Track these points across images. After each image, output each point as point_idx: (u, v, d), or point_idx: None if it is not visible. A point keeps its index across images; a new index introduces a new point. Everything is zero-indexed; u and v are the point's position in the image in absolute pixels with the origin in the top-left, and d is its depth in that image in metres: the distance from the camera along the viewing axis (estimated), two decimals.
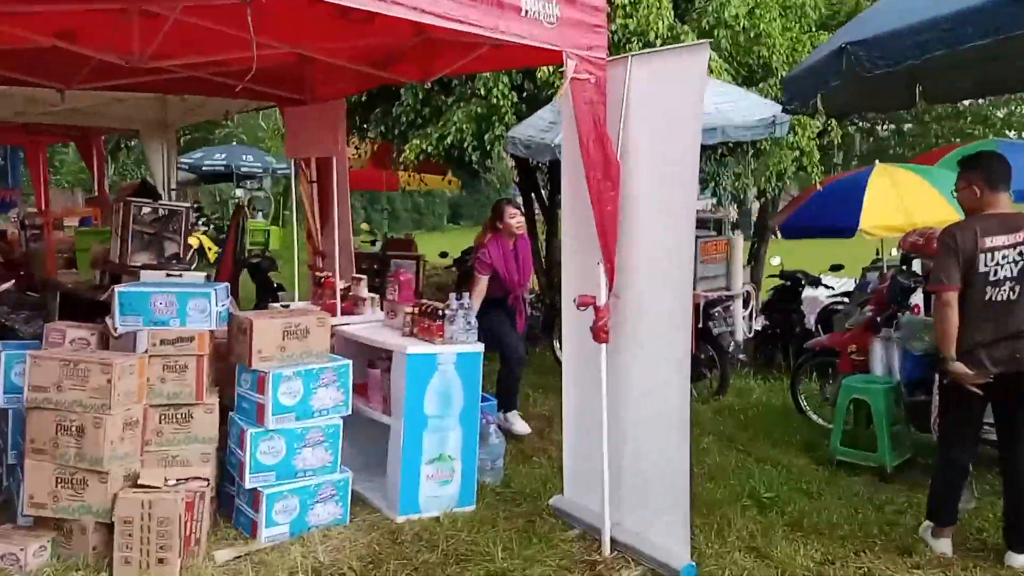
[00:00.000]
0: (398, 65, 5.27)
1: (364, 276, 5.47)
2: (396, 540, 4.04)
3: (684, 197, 3.75)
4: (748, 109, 6.31)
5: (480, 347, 4.46)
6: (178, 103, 7.42)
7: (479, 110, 6.92)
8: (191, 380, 3.98)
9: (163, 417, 3.98)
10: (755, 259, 9.59)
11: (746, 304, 7.39)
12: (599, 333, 3.93)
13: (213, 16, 4.10)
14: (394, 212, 25.75)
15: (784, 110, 4.82)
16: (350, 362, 4.27)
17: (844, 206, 7.32)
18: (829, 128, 8.27)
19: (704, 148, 7.87)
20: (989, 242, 3.68)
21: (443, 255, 10.35)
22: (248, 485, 3.97)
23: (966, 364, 3.69)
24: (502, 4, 3.48)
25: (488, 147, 7.01)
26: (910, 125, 15.31)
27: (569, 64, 3.76)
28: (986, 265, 3.68)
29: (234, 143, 19.54)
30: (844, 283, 8.60)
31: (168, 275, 5.57)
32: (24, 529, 3.73)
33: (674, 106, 3.76)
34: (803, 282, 7.94)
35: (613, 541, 3.93)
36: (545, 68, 6.60)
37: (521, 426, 5.47)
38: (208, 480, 3.89)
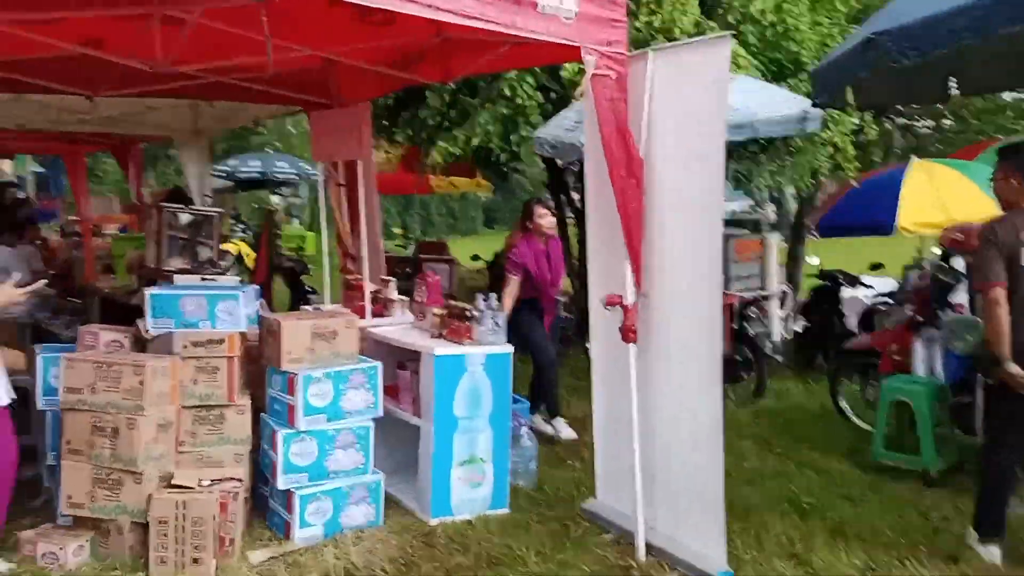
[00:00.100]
0: (419, 66, 5.28)
1: (393, 278, 5.48)
2: (429, 542, 4.03)
3: (711, 193, 3.69)
4: (777, 105, 6.21)
5: (510, 348, 4.44)
6: (209, 110, 7.51)
7: (504, 111, 6.91)
8: (222, 382, 4.02)
9: (196, 418, 4.02)
10: (793, 259, 9.44)
11: (782, 304, 7.28)
12: (627, 333, 3.89)
13: (233, 20, 4.13)
14: (428, 216, 25.86)
15: (813, 104, 4.72)
16: (379, 364, 4.28)
17: (881, 203, 7.17)
18: (864, 124, 8.11)
19: (735, 146, 7.81)
20: None
21: (475, 258, 10.37)
22: (281, 486, 4.00)
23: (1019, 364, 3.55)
24: (519, 1, 3.46)
25: (515, 148, 6.99)
26: (950, 121, 14.98)
27: (588, 60, 3.73)
28: None
29: (268, 150, 19.79)
30: (886, 283, 8.43)
31: (202, 279, 5.65)
32: (63, 528, 3.80)
33: (698, 100, 3.71)
34: (842, 282, 7.79)
35: (648, 546, 3.88)
36: (570, 67, 6.57)
37: (567, 432, 5.41)
38: (241, 481, 3.92)
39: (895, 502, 4.52)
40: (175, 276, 5.73)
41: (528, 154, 7.47)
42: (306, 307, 5.64)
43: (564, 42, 3.70)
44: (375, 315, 5.18)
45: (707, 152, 3.66)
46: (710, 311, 3.72)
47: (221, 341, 4.02)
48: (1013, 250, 3.57)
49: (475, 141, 6.98)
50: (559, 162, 8.69)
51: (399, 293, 5.33)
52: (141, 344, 4.20)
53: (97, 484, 3.69)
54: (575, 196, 9.15)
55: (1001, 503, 3.80)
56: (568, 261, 7.56)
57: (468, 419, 4.30)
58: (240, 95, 6.05)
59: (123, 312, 5.50)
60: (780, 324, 7.04)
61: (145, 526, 3.64)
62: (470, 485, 4.32)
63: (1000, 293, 3.56)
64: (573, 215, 9.35)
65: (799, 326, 7.74)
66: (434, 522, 4.22)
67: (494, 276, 9.16)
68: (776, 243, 7.05)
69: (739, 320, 6.53)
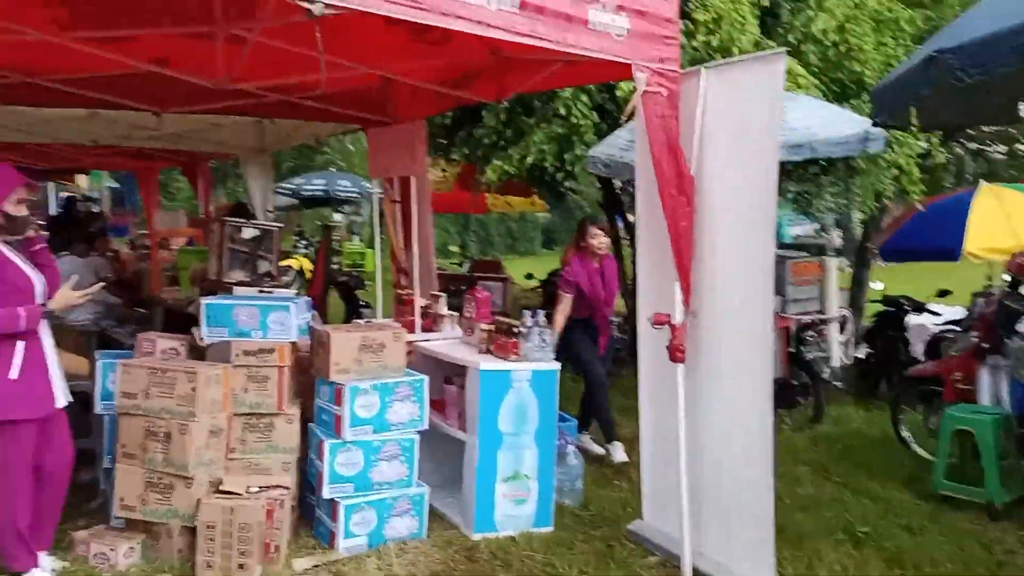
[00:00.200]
0: (474, 84, 5.35)
1: (444, 294, 5.51)
2: (471, 557, 4.03)
3: (763, 211, 3.63)
4: (838, 125, 6.08)
5: (556, 365, 4.42)
6: (272, 128, 7.71)
7: (559, 130, 6.92)
8: (272, 390, 4.10)
9: (246, 426, 4.10)
10: (857, 284, 9.20)
11: (843, 329, 7.09)
12: (675, 352, 3.84)
13: (292, 39, 4.24)
14: (487, 236, 26.01)
15: (874, 124, 4.63)
16: (426, 377, 4.30)
17: (947, 227, 6.98)
18: (932, 148, 7.89)
19: (795, 166, 7.68)
20: None
21: (529, 276, 10.38)
22: (326, 495, 4.04)
23: None
24: (570, 18, 3.47)
25: (569, 167, 6.99)
26: None
27: (639, 77, 3.72)
28: None
29: (332, 169, 20.21)
30: (954, 310, 8.15)
31: (260, 291, 5.78)
32: (116, 530, 3.90)
33: (752, 117, 3.66)
34: (907, 308, 7.57)
35: (695, 570, 3.81)
36: (625, 86, 6.55)
37: (620, 456, 5.33)
38: (288, 489, 3.97)
39: (956, 533, 4.35)
40: (235, 288, 5.91)
41: (583, 173, 7.47)
42: (358, 320, 5.72)
43: (616, 59, 3.69)
44: (425, 330, 5.23)
45: (760, 170, 3.61)
46: (762, 331, 3.65)
47: (272, 351, 4.10)
48: None
49: (529, 160, 7.00)
50: (614, 182, 8.66)
51: (454, 310, 5.36)
52: (199, 352, 4.30)
53: (149, 488, 3.79)
54: (630, 216, 9.11)
55: None
56: (622, 281, 7.50)
57: (513, 435, 4.29)
58: (301, 113, 6.20)
59: (184, 321, 5.65)
60: (840, 349, 6.85)
61: (194, 530, 3.71)
62: (514, 501, 4.30)
63: None
64: (628, 234, 9.30)
65: (862, 352, 7.52)
66: (477, 537, 4.21)
67: (547, 294, 9.15)
68: (836, 266, 6.86)
69: (796, 344, 6.37)
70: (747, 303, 3.70)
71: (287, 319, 4.13)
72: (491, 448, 4.26)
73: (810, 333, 6.43)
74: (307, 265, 13.31)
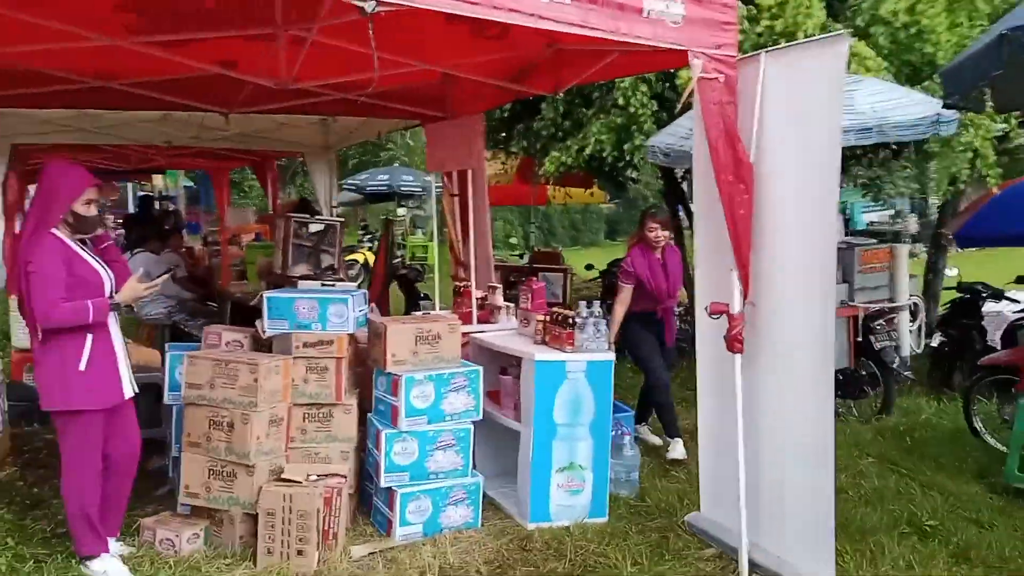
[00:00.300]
0: (531, 78, 5.34)
1: (499, 285, 5.53)
2: (525, 547, 4.04)
3: (825, 198, 3.53)
4: (908, 107, 5.86)
5: (611, 356, 4.39)
6: (335, 126, 7.86)
7: (618, 120, 6.87)
8: (331, 381, 4.18)
9: (306, 416, 4.20)
10: (932, 271, 8.89)
11: (914, 317, 6.86)
12: (732, 342, 3.78)
13: (350, 37, 4.30)
14: (551, 228, 25.99)
15: (944, 105, 4.45)
16: (480, 368, 4.34)
17: None
18: (1011, 130, 7.55)
19: (864, 151, 7.45)
20: None
21: (588, 267, 10.32)
22: (383, 484, 4.11)
23: None
24: (623, 6, 3.43)
25: (628, 157, 6.93)
26: None
27: (695, 64, 3.66)
28: None
29: (396, 164, 20.48)
30: None
31: (323, 284, 5.91)
32: (181, 517, 4.03)
33: (813, 102, 3.56)
34: (984, 295, 7.27)
35: (751, 564, 3.75)
36: (684, 74, 6.45)
37: (679, 453, 5.27)
38: (345, 477, 4.05)
39: None
40: (298, 281, 6.06)
41: (644, 163, 7.39)
42: (416, 312, 5.79)
43: (671, 46, 3.64)
44: (481, 321, 5.26)
45: (821, 156, 3.52)
46: (823, 320, 3.56)
47: (331, 342, 4.19)
48: None
49: (587, 151, 6.97)
50: (676, 171, 8.55)
51: (515, 301, 5.36)
52: (263, 344, 4.41)
53: (213, 475, 3.91)
54: (692, 205, 8.98)
55: None
56: (686, 271, 7.42)
57: (568, 426, 4.29)
58: (362, 110, 6.29)
59: (251, 314, 5.82)
60: (911, 338, 6.63)
61: (255, 517, 3.82)
62: (569, 492, 4.30)
63: None
64: (691, 224, 9.17)
65: (936, 341, 7.26)
66: (531, 527, 4.22)
67: (606, 285, 9.10)
68: (907, 253, 6.63)
69: (864, 333, 6.19)
70: (808, 292, 3.61)
71: (345, 311, 4.21)
72: (546, 439, 4.26)
73: (879, 322, 6.23)
74: (372, 258, 13.55)
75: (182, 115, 6.46)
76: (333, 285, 5.82)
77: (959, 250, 8.46)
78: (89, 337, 3.53)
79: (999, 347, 6.90)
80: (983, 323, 7.18)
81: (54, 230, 3.57)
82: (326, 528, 3.83)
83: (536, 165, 8.19)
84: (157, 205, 16.28)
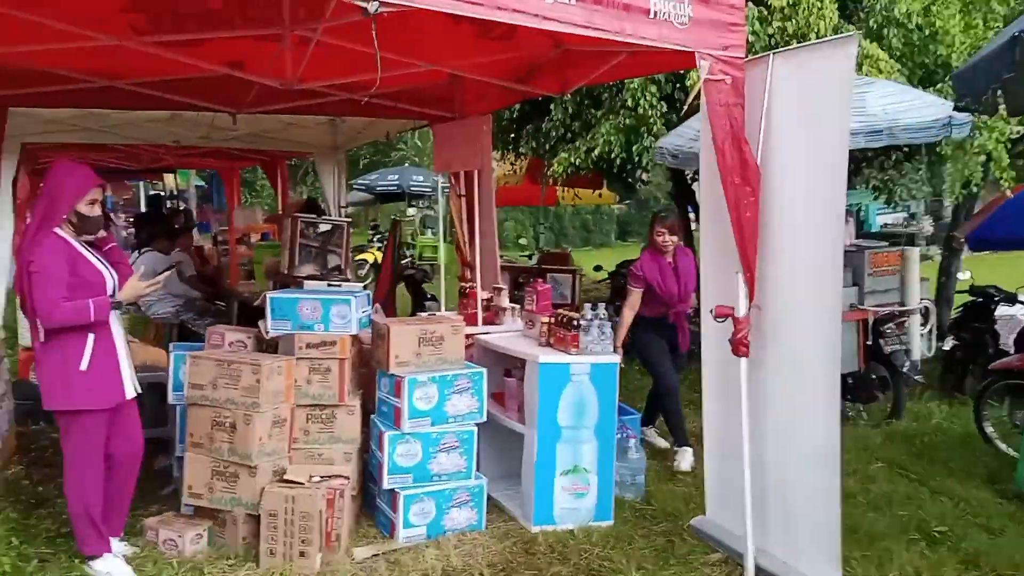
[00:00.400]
0: (538, 78, 5.33)
1: (504, 287, 5.51)
2: (529, 550, 4.02)
3: (832, 201, 3.50)
4: (920, 110, 5.81)
5: (616, 358, 4.37)
6: (344, 126, 7.86)
7: (627, 121, 6.84)
8: (334, 382, 4.17)
9: (309, 417, 4.19)
10: (945, 274, 8.81)
11: (925, 321, 6.80)
12: (738, 346, 3.75)
13: (355, 38, 4.29)
14: (562, 229, 25.96)
15: (956, 108, 4.40)
16: (484, 370, 4.32)
17: None
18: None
19: (875, 153, 7.39)
20: None
21: (597, 268, 10.29)
22: (386, 486, 4.10)
23: None
24: (628, 7, 3.41)
25: (636, 158, 6.90)
26: None
27: (702, 65, 3.63)
28: None
29: (407, 164, 20.50)
30: None
31: (329, 285, 5.91)
32: (185, 518, 4.02)
33: (821, 104, 3.53)
34: (997, 299, 7.19)
35: (758, 569, 3.72)
36: (694, 75, 6.42)
37: (687, 463, 5.18)
38: (348, 479, 4.04)
39: None
40: (305, 281, 6.05)
41: (652, 164, 7.37)
42: (421, 313, 5.77)
43: (678, 48, 3.62)
44: (487, 322, 5.23)
45: (830, 158, 3.49)
46: (829, 324, 3.52)
47: (334, 343, 4.17)
48: None
49: (596, 152, 6.94)
50: (686, 173, 8.52)
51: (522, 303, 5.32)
52: (272, 345, 4.39)
53: (216, 476, 3.90)
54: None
55: None
56: (699, 275, 7.37)
57: (572, 428, 4.26)
58: (369, 110, 6.28)
59: (256, 314, 5.82)
60: (921, 341, 6.56)
61: (258, 518, 3.81)
62: (573, 495, 4.28)
63: None
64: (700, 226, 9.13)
65: (948, 344, 7.19)
66: (536, 530, 4.20)
67: (615, 287, 9.06)
68: (918, 256, 6.57)
69: (874, 337, 6.14)
70: (814, 296, 3.58)
71: (348, 312, 4.20)
72: (550, 441, 4.24)
73: (889, 325, 6.18)
74: (381, 258, 13.58)
75: (191, 115, 6.48)
76: (339, 285, 5.82)
77: (972, 253, 8.39)
78: (91, 337, 3.53)
79: (1012, 351, 6.83)
80: (995, 327, 7.12)
81: (57, 229, 3.57)
82: (328, 530, 3.81)
83: (545, 166, 8.17)
84: (168, 204, 16.36)
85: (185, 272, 7.58)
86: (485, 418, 4.33)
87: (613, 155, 6.96)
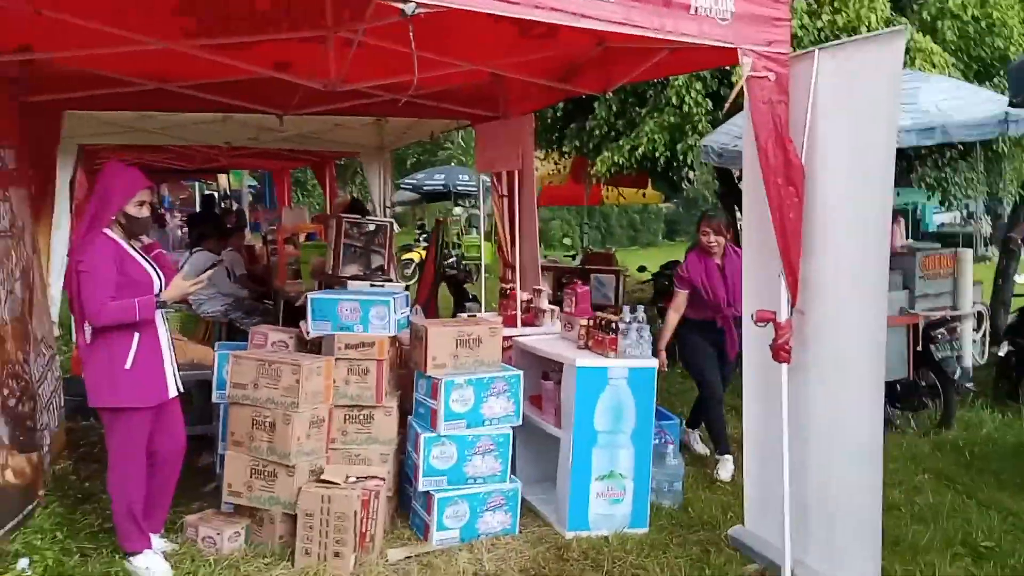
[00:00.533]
0: (580, 77, 5.29)
1: (545, 288, 5.48)
2: (562, 556, 3.99)
3: (879, 203, 3.38)
4: (975, 106, 5.62)
5: (654, 363, 4.31)
6: (390, 127, 7.93)
7: (672, 119, 6.75)
8: (372, 383, 4.19)
9: (347, 417, 4.22)
10: (1002, 276, 8.51)
11: (978, 326, 6.58)
12: (779, 352, 3.66)
13: (396, 38, 4.30)
14: (609, 228, 25.81)
15: (1010, 103, 4.24)
16: (521, 372, 4.30)
17: None
18: None
19: (930, 151, 7.17)
20: None
21: (641, 269, 10.18)
22: (421, 488, 4.11)
23: None
24: (668, 3, 3.34)
25: (681, 157, 6.81)
26: None
27: (745, 62, 3.55)
28: None
29: (453, 163, 20.59)
30: None
31: (372, 285, 5.96)
32: (224, 515, 4.08)
33: (868, 101, 3.42)
34: None
35: None
36: (740, 71, 6.33)
37: (727, 472, 5.06)
38: (384, 480, 4.06)
39: None
40: (348, 281, 6.12)
41: (698, 163, 7.27)
42: (461, 314, 5.78)
43: (719, 44, 3.55)
44: (526, 324, 5.21)
45: (877, 157, 3.38)
46: (874, 330, 3.42)
47: (372, 344, 4.20)
48: None
49: (640, 150, 6.87)
50: (734, 172, 8.37)
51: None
52: (316, 345, 4.43)
53: (255, 475, 3.95)
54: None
55: None
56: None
57: (609, 433, 4.22)
58: (413, 111, 6.32)
59: (301, 314, 5.91)
60: (974, 347, 6.34)
61: (295, 517, 3.85)
62: (609, 501, 4.23)
63: None
64: None
65: (1003, 350, 6.95)
66: (570, 535, 4.17)
67: (658, 288, 8.95)
68: (971, 258, 6.35)
69: (924, 342, 5.95)
70: (859, 300, 3.48)
71: (387, 313, 4.22)
72: (586, 446, 4.20)
73: (940, 331, 5.98)
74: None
75: (240, 117, 6.60)
76: (382, 285, 5.87)
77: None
78: (136, 336, 3.60)
79: None
80: None
81: (106, 230, 3.65)
82: (363, 531, 3.84)
83: (588, 165, 8.11)
84: (221, 204, 16.68)
85: (236, 271, 7.71)
86: (521, 421, 4.31)
87: (657, 154, 6.88)
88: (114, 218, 3.67)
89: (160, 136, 7.89)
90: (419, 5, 2.98)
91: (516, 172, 5.71)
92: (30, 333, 4.63)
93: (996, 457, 5.39)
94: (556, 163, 10.19)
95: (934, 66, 6.49)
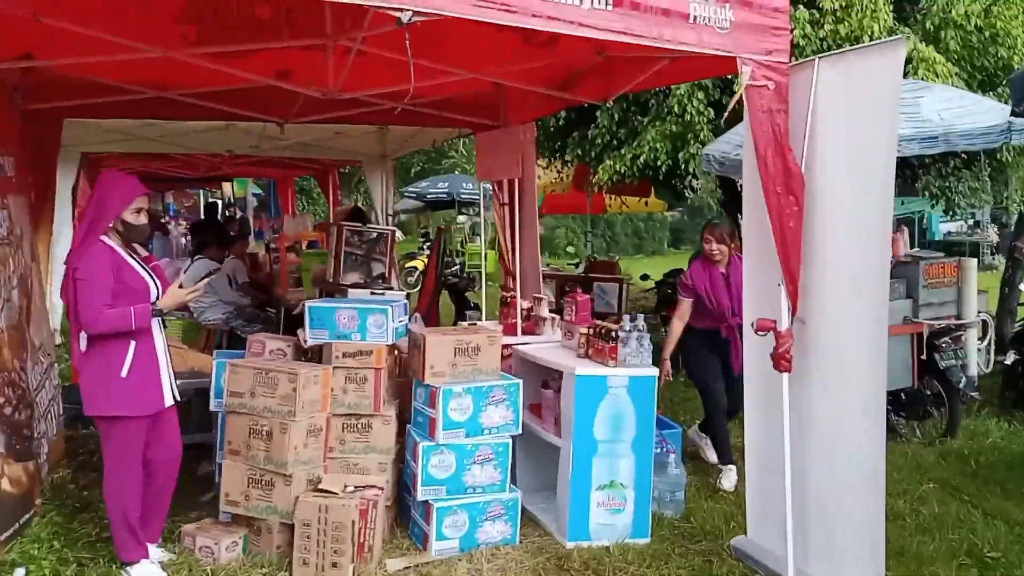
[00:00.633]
0: (580, 86, 5.28)
1: (546, 296, 5.46)
2: (562, 566, 3.96)
3: (879, 211, 3.38)
4: (977, 115, 5.60)
5: (654, 371, 4.28)
6: (392, 135, 7.93)
7: (673, 128, 6.74)
8: (370, 392, 4.17)
9: (345, 426, 4.19)
10: (1008, 285, 8.47)
11: (983, 334, 6.53)
12: (779, 361, 3.64)
13: (395, 47, 4.30)
14: (613, 236, 25.80)
15: (1013, 112, 4.22)
16: (520, 381, 4.27)
17: None
18: None
19: (934, 160, 7.15)
20: None
21: (644, 277, 10.16)
22: (420, 497, 4.08)
23: None
24: (668, 12, 3.35)
25: (683, 165, 6.79)
26: None
27: (744, 71, 3.55)
28: None
29: (457, 172, 20.60)
30: None
31: (372, 293, 5.95)
32: (222, 524, 4.05)
33: (868, 110, 3.42)
34: None
35: None
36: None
37: (729, 483, 5.02)
38: (382, 489, 4.03)
39: None
40: (349, 289, 6.11)
41: (699, 171, 7.25)
42: (462, 322, 5.76)
43: (718, 53, 3.54)
44: (527, 332, 5.19)
45: (877, 166, 3.37)
46: (875, 339, 3.40)
47: (370, 353, 4.18)
48: None
49: (641, 159, 6.86)
50: (737, 181, 8.36)
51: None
52: (316, 354, 4.40)
53: (252, 484, 3.93)
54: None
55: None
56: None
57: (609, 442, 4.19)
58: (415, 119, 6.31)
59: (301, 322, 5.89)
60: (979, 356, 6.30)
61: (292, 527, 3.81)
62: (610, 511, 4.20)
63: None
64: None
65: (1009, 359, 6.90)
66: (570, 545, 4.13)
67: (661, 297, 8.93)
68: (975, 267, 6.31)
69: (928, 351, 5.91)
70: (860, 308, 3.46)
71: (384, 322, 4.19)
72: (586, 455, 4.17)
73: (945, 339, 5.94)
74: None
75: (242, 125, 6.61)
76: (383, 293, 5.86)
77: None
78: (132, 344, 3.59)
79: None
80: None
81: (104, 237, 3.64)
82: (361, 540, 3.81)
83: (591, 173, 8.11)
84: (225, 212, 16.70)
85: (238, 279, 7.71)
86: (520, 430, 4.28)
87: (659, 162, 6.87)
88: (111, 225, 3.67)
89: (162, 144, 7.91)
90: (415, 14, 2.98)
91: (517, 180, 5.70)
92: (27, 341, 4.62)
93: (1002, 466, 5.34)
94: (559, 172, 10.19)
95: (937, 76, 6.47)
